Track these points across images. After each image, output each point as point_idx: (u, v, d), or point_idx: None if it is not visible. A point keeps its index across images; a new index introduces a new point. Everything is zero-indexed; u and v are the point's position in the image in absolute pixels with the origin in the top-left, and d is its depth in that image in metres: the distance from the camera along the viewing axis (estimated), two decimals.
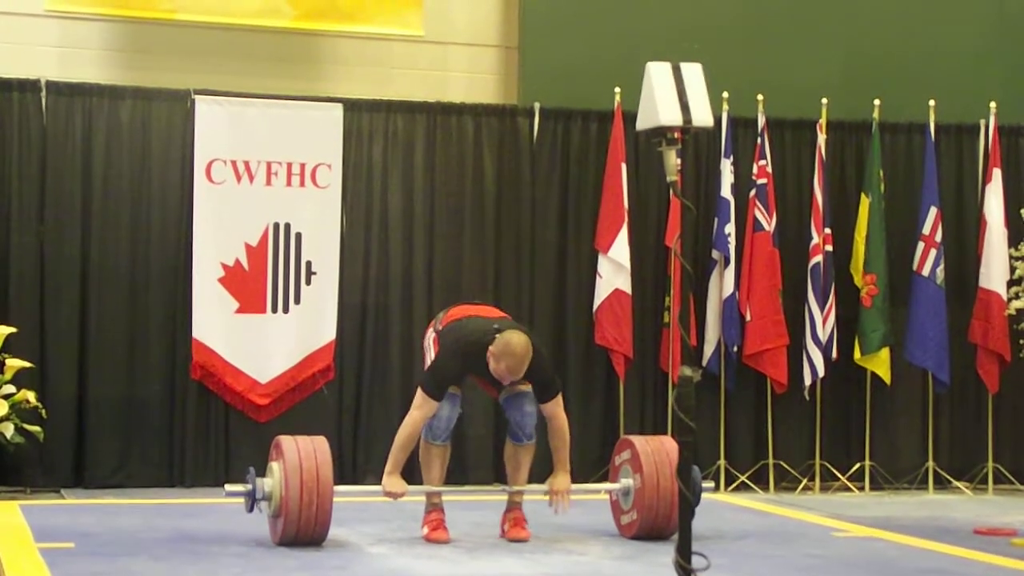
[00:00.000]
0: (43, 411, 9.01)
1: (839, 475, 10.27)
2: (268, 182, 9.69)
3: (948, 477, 10.39)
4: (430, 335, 7.41)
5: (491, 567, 6.65)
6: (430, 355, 7.30)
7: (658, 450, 7.39)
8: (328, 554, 6.81)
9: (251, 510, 7.00)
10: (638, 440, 7.57)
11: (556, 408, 7.21)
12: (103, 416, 9.44)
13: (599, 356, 10.07)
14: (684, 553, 5.00)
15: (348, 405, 9.83)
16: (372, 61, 10.36)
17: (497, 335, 6.99)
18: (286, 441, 7.00)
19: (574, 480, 7.38)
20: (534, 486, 7.45)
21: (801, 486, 10.21)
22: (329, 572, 6.39)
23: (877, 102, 10.30)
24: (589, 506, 8.20)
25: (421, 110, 10.05)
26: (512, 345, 6.95)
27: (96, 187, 9.50)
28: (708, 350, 10.03)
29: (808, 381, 10.07)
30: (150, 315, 9.57)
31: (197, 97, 9.60)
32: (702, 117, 5.21)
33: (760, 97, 10.19)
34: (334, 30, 10.30)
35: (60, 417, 9.27)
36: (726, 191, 10.06)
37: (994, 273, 10.16)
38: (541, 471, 7.62)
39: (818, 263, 10.06)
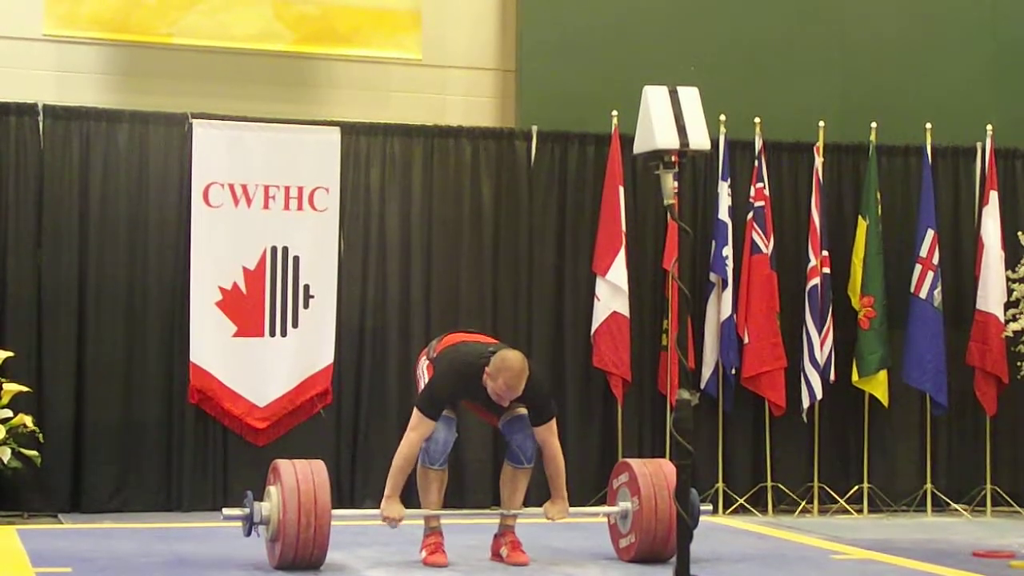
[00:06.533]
0: (40, 435, 9.00)
1: (837, 497, 10.25)
2: (266, 206, 9.69)
3: (946, 499, 10.37)
4: (423, 363, 7.37)
5: None
6: (423, 382, 7.26)
7: (656, 473, 7.38)
8: None
9: (249, 534, 6.98)
10: (636, 463, 7.55)
11: (549, 434, 7.19)
12: (100, 440, 9.42)
13: (597, 379, 10.05)
14: None
15: (346, 429, 9.81)
16: (370, 85, 10.38)
17: (492, 356, 7.00)
18: (284, 465, 6.99)
19: (571, 503, 7.37)
20: (530, 510, 7.43)
21: (799, 509, 10.20)
22: None
23: (874, 125, 10.32)
24: (587, 529, 8.19)
25: (419, 133, 10.06)
26: (509, 360, 6.95)
27: (93, 211, 9.50)
28: (706, 373, 10.02)
29: (806, 403, 10.07)
30: (148, 339, 9.56)
31: (194, 121, 9.61)
32: (699, 140, 5.24)
33: (757, 120, 10.20)
34: (332, 54, 10.33)
35: (57, 441, 9.25)
36: (723, 214, 10.07)
37: (991, 295, 10.17)
38: (535, 495, 7.60)
39: (816, 285, 10.06)
